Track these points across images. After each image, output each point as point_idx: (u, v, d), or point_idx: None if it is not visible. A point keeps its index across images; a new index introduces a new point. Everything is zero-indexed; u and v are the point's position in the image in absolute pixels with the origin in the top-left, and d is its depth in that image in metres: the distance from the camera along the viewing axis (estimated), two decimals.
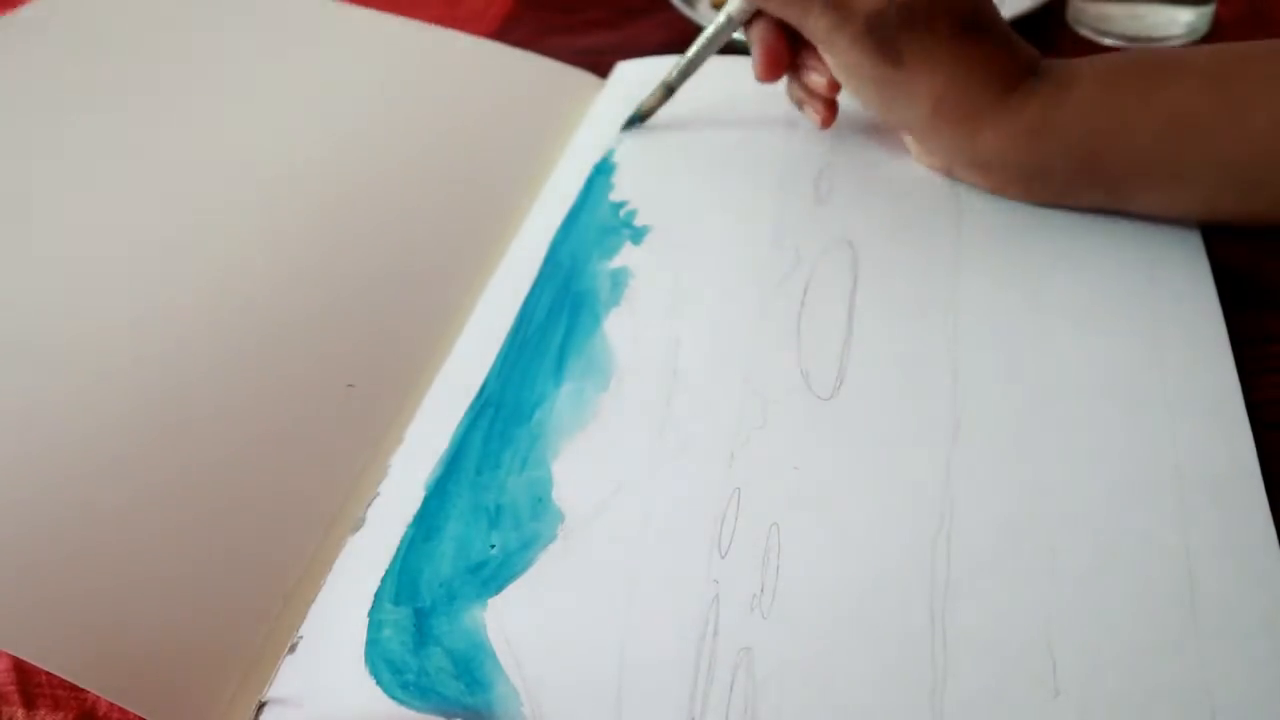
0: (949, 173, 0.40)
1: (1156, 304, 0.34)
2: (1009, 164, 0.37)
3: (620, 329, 0.36)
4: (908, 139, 0.41)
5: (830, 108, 0.40)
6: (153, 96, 0.45)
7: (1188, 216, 0.37)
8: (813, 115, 0.41)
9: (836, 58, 0.37)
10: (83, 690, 0.28)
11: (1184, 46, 0.37)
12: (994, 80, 0.36)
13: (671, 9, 0.52)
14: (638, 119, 0.44)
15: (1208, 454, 0.30)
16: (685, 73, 0.42)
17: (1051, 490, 0.29)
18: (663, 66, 0.47)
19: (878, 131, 0.43)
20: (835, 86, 0.39)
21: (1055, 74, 0.36)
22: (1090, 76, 0.36)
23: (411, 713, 0.26)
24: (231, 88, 0.46)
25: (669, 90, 0.43)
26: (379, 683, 0.27)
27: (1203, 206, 0.36)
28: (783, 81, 0.41)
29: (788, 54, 0.39)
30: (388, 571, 0.29)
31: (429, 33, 0.50)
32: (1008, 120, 0.36)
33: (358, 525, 0.31)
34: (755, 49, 0.39)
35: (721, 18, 0.40)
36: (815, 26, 0.36)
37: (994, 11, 0.37)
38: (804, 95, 0.41)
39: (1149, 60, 0.37)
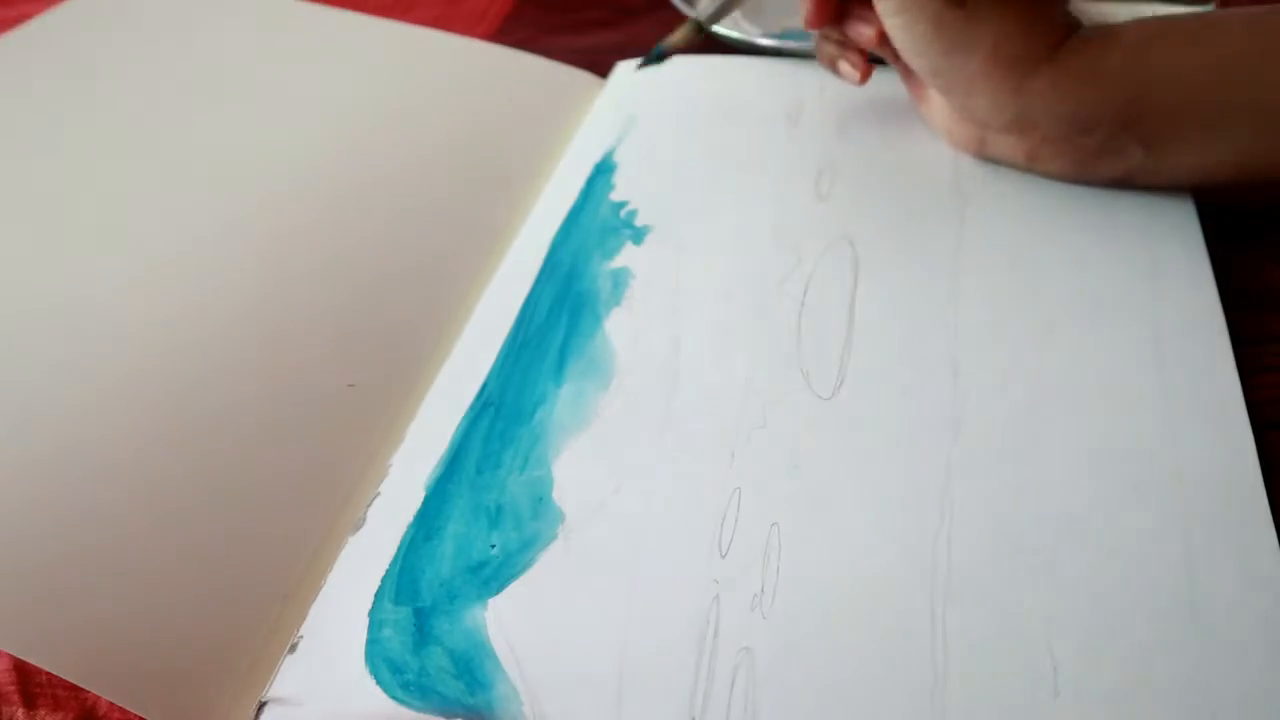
0: (980, 147, 0.39)
1: (1157, 304, 0.34)
2: (1054, 116, 0.37)
3: (621, 329, 0.36)
4: (938, 112, 0.40)
5: (868, 62, 0.40)
6: (155, 102, 0.45)
7: (1219, 174, 0.37)
8: (848, 71, 0.41)
9: (897, 3, 0.36)
10: (83, 690, 0.28)
11: (1217, 11, 0.37)
12: (1048, 28, 0.36)
13: (671, 9, 0.52)
14: (660, 56, 0.42)
15: (1208, 454, 0.30)
16: (722, 10, 0.40)
17: (1051, 490, 0.29)
18: (664, 66, 0.47)
19: (879, 130, 0.43)
20: (881, 37, 0.39)
21: (1100, 29, 0.36)
22: (1135, 29, 0.36)
23: (412, 712, 0.26)
24: (233, 93, 0.46)
25: (699, 29, 0.41)
26: (379, 682, 0.27)
27: (1238, 159, 0.36)
28: (782, 82, 0.41)
29: (836, 7, 0.39)
30: (388, 571, 0.29)
31: (428, 36, 0.50)
32: (1058, 67, 0.36)
33: (358, 525, 0.31)
34: None
35: None
36: None
37: None
38: (840, 51, 0.41)
39: (1192, 17, 0.37)
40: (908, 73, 0.42)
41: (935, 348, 0.34)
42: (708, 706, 0.26)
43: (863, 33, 0.39)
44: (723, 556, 0.29)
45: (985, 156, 0.40)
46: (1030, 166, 0.39)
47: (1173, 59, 0.35)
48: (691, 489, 0.30)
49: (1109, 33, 0.36)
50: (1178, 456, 0.30)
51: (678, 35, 0.41)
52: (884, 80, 0.43)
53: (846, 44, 0.41)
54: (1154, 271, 0.36)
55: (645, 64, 0.42)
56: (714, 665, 0.26)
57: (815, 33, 0.42)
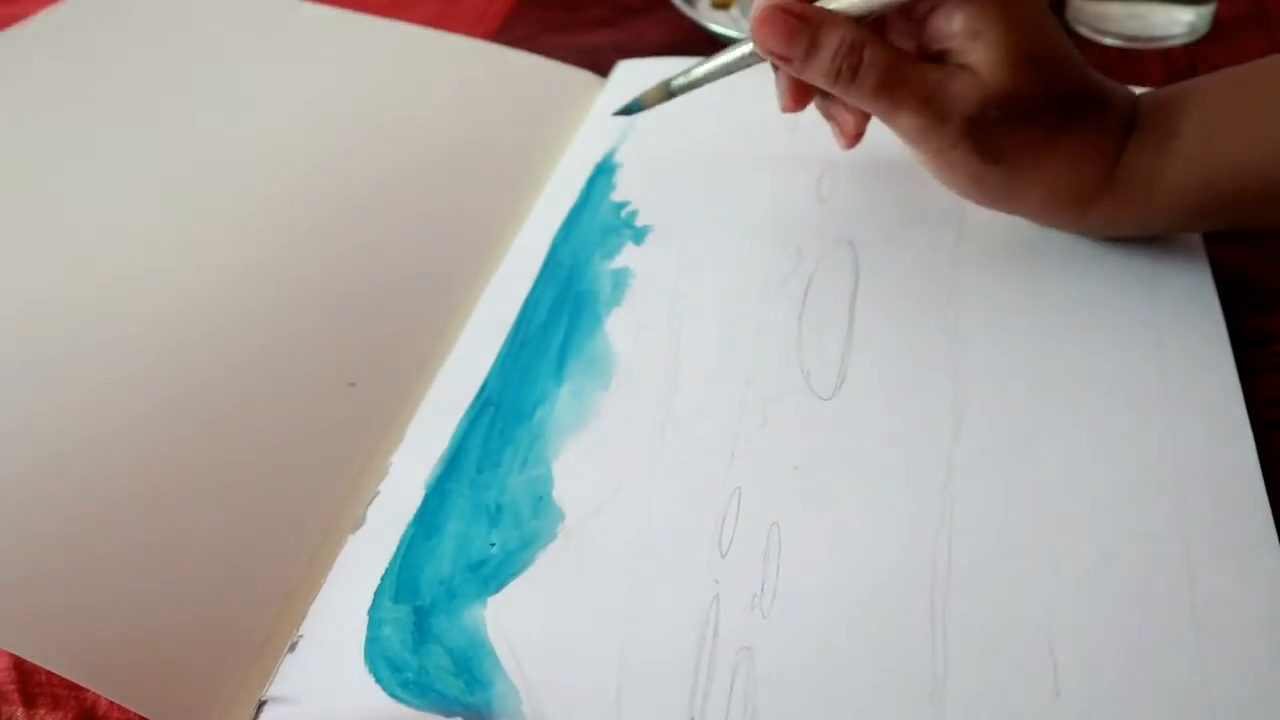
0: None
1: (1157, 304, 0.34)
2: (1118, 231, 0.36)
3: (621, 329, 0.36)
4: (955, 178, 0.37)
5: (858, 136, 0.37)
6: (154, 100, 0.45)
7: None
8: (837, 135, 0.37)
9: (932, 158, 0.34)
10: (82, 689, 0.27)
11: (1269, 60, 0.34)
12: (1100, 160, 0.33)
13: (672, 8, 0.52)
14: (634, 109, 0.41)
15: (1208, 454, 0.30)
16: (691, 85, 0.39)
17: (1052, 490, 0.29)
18: (664, 66, 0.47)
19: (879, 131, 0.43)
20: (860, 128, 0.36)
21: (1154, 123, 0.33)
22: (1192, 119, 0.33)
23: (411, 711, 0.26)
24: (232, 92, 0.46)
25: (669, 95, 0.40)
26: (379, 681, 0.27)
27: None
28: (743, 45, 0.39)
29: (815, 91, 0.35)
30: (388, 570, 0.29)
31: (428, 36, 0.50)
32: (1117, 194, 0.34)
33: (358, 524, 0.31)
34: (783, 83, 0.36)
35: (746, 48, 0.35)
36: (907, 127, 0.33)
37: (1084, 68, 0.33)
38: (831, 112, 0.37)
39: (1246, 84, 0.34)
40: None
41: (935, 348, 0.34)
42: (708, 706, 0.26)
43: (845, 120, 0.36)
44: (723, 556, 0.29)
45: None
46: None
47: (1233, 155, 0.33)
48: (691, 489, 0.30)
49: (1164, 128, 0.33)
50: (1178, 456, 0.30)
51: (650, 93, 0.40)
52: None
53: (837, 122, 0.37)
54: (1154, 272, 0.36)
55: (620, 113, 0.41)
56: (714, 665, 0.26)
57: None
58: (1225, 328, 0.33)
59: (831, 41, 0.32)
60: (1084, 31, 0.50)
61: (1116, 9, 0.49)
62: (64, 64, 0.47)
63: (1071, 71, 0.33)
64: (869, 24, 0.33)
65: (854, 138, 0.37)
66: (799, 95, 0.36)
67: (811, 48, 0.32)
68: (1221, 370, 0.32)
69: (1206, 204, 0.34)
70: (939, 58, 0.33)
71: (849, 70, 0.32)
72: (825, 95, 0.36)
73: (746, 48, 0.35)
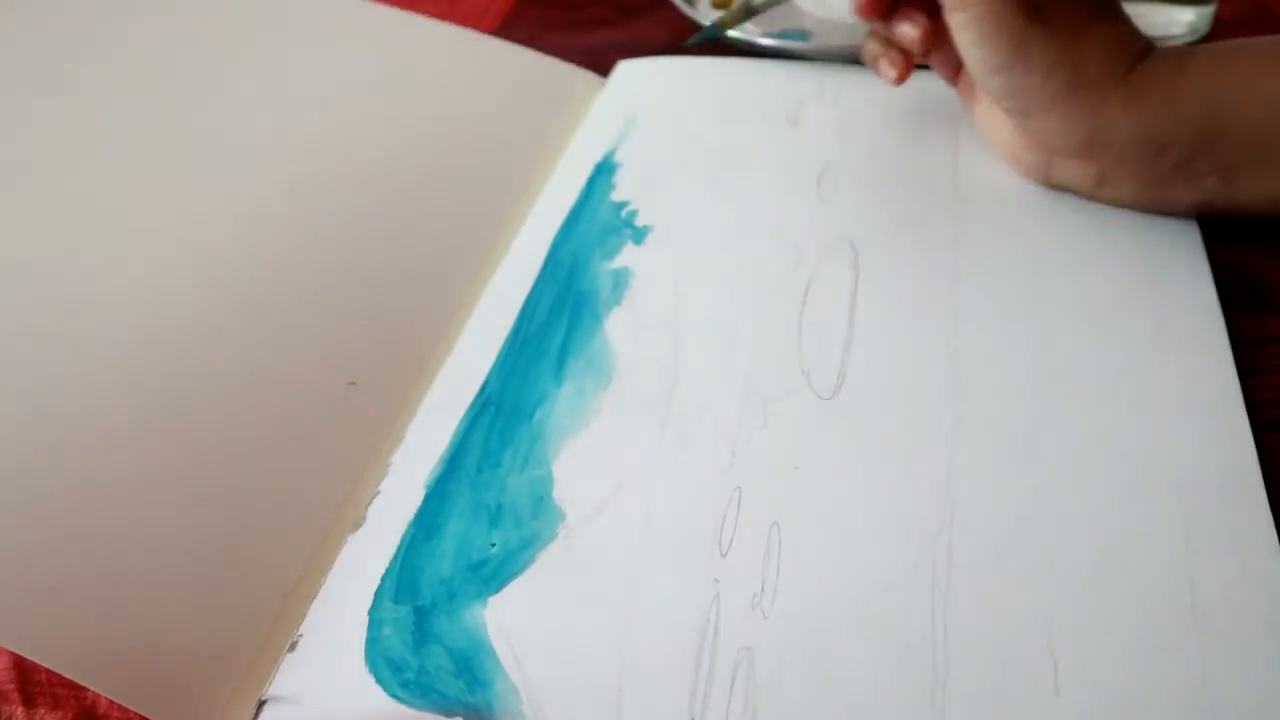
0: (1047, 172, 0.38)
1: (1157, 304, 0.34)
2: (1127, 137, 0.36)
3: (621, 328, 0.36)
4: (1002, 136, 0.39)
5: (910, 63, 0.40)
6: (152, 91, 0.45)
7: None
8: (887, 70, 0.40)
9: (978, 23, 0.35)
10: (82, 688, 0.27)
11: None
12: (1126, 50, 0.35)
13: (672, 8, 0.52)
14: (712, 33, 0.41)
15: (1208, 454, 0.30)
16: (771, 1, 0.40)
17: (1052, 490, 0.29)
18: (664, 66, 0.47)
19: (879, 131, 0.43)
20: (927, 42, 0.38)
21: (1172, 53, 0.36)
22: (1206, 54, 0.36)
23: (411, 711, 0.26)
24: (231, 83, 0.46)
25: (749, 12, 0.41)
26: (379, 681, 0.27)
27: None
28: (782, 82, 0.40)
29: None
30: (388, 570, 0.29)
31: (429, 27, 0.50)
32: (1132, 87, 0.35)
33: (358, 524, 0.31)
34: None
35: None
36: None
37: None
38: (883, 49, 0.40)
39: (1264, 41, 0.36)
40: (969, 92, 0.41)
41: (935, 348, 0.34)
42: (708, 706, 0.26)
43: (907, 33, 0.39)
44: (723, 556, 0.29)
45: (1052, 184, 0.39)
46: (1098, 193, 0.38)
47: (1252, 80, 0.34)
48: (691, 489, 0.30)
49: (1185, 53, 0.36)
50: (1178, 456, 0.30)
51: (729, 14, 0.41)
52: (884, 82, 0.43)
53: (891, 42, 0.40)
54: (1154, 272, 0.36)
55: (694, 41, 0.41)
56: (714, 665, 0.26)
57: (864, 25, 0.41)
58: (1225, 328, 0.33)
59: None
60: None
61: None
62: (59, 50, 0.47)
63: None
64: None
65: (907, 68, 0.39)
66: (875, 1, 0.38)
67: None
68: (1221, 371, 0.32)
69: (1213, 134, 0.35)
70: None
71: None
72: (887, 16, 0.39)
73: None
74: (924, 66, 0.42)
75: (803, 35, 0.48)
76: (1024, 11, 0.34)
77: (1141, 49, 0.36)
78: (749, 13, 0.40)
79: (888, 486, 0.30)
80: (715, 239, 0.39)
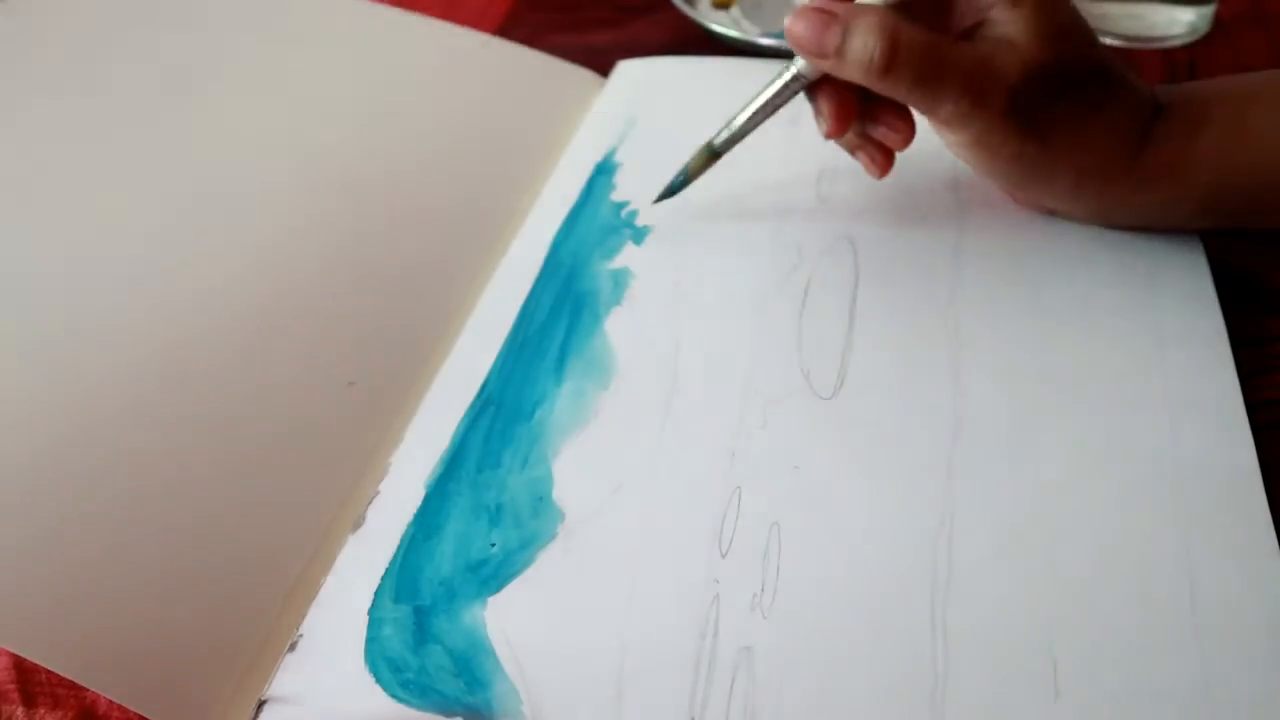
0: (1049, 211, 0.38)
1: (1157, 305, 0.34)
2: (1136, 211, 0.36)
3: (621, 329, 0.36)
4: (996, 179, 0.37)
5: (890, 161, 0.36)
6: (153, 91, 0.45)
7: None
8: (869, 164, 0.37)
9: (972, 139, 0.33)
10: (82, 688, 0.27)
11: None
12: (1132, 134, 0.34)
13: (672, 8, 0.52)
14: (678, 185, 0.39)
15: (1208, 454, 0.30)
16: (734, 139, 0.37)
17: (1051, 490, 0.29)
18: (664, 66, 0.47)
19: None
20: (908, 142, 0.35)
21: (1182, 110, 0.34)
22: (1219, 108, 0.34)
23: (411, 711, 0.26)
24: (230, 84, 0.46)
25: (715, 155, 0.38)
26: (379, 681, 0.27)
27: None
28: (782, 74, 0.40)
29: (856, 108, 0.35)
30: (388, 570, 0.29)
31: (429, 27, 0.50)
32: (1141, 172, 0.34)
33: (358, 524, 0.31)
34: (825, 107, 0.34)
35: (787, 76, 0.35)
36: (949, 112, 0.32)
37: (1110, 52, 0.34)
38: (861, 144, 0.36)
39: (1274, 83, 0.35)
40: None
41: (935, 348, 0.34)
42: (707, 705, 0.26)
43: (892, 139, 0.35)
44: (723, 556, 0.29)
45: (1050, 214, 0.38)
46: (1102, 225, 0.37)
47: (1257, 152, 0.33)
48: (691, 489, 0.30)
49: (1192, 115, 0.34)
50: (1178, 456, 0.30)
51: (693, 162, 0.38)
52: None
53: (869, 140, 0.36)
54: (1154, 273, 0.36)
55: (663, 198, 0.39)
56: (714, 665, 0.26)
57: None
58: (1225, 328, 0.33)
59: (864, 28, 0.32)
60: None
61: (1117, 9, 0.49)
62: (60, 53, 0.47)
63: (1097, 47, 0.34)
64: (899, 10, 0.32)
65: (888, 163, 0.36)
66: (841, 114, 0.34)
67: (843, 40, 0.32)
68: (1221, 370, 0.32)
69: (1232, 191, 0.34)
70: (971, 34, 0.33)
71: (883, 57, 0.31)
72: (862, 118, 0.35)
73: (783, 78, 0.35)
74: None
75: None
76: (1018, 132, 0.32)
77: (1148, 116, 0.34)
78: (715, 155, 0.37)
79: (888, 486, 0.30)
80: (715, 239, 0.39)
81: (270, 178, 0.41)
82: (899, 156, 0.37)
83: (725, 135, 0.37)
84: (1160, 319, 0.34)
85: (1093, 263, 0.36)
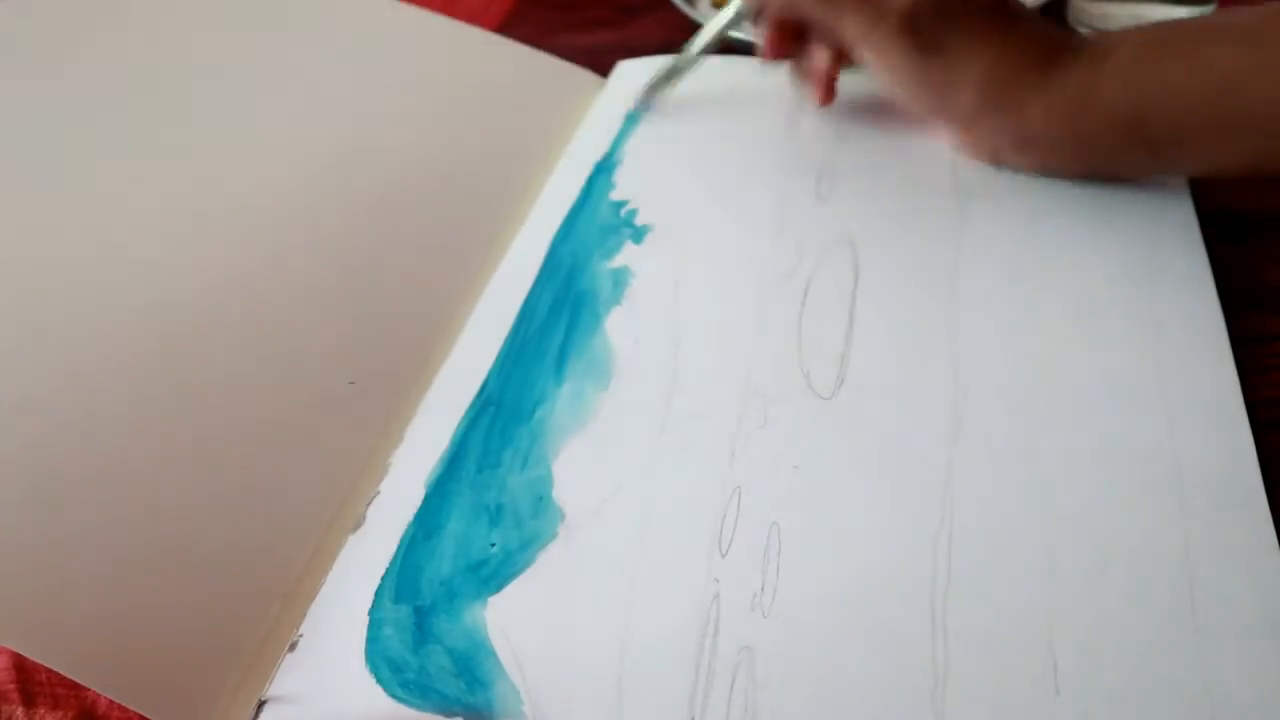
0: (995, 159, 0.40)
1: (1157, 304, 0.34)
2: (1055, 139, 0.37)
3: (621, 328, 0.36)
4: (945, 132, 0.41)
5: (829, 89, 0.41)
6: (153, 90, 0.45)
7: (1234, 171, 0.37)
8: (811, 96, 0.42)
9: (876, 57, 0.37)
10: (82, 688, 0.27)
11: (1218, 12, 0.37)
12: (1035, 57, 0.36)
13: (672, 8, 0.52)
14: (642, 109, 0.45)
15: (1208, 454, 0.30)
16: (689, 62, 0.44)
17: (1051, 490, 0.29)
18: (664, 65, 0.47)
19: (879, 130, 0.43)
20: (836, 68, 0.40)
21: (1093, 46, 0.36)
22: (1129, 45, 0.36)
23: (411, 711, 0.26)
24: (230, 81, 0.46)
25: (674, 73, 0.44)
26: (379, 681, 0.27)
27: (1248, 160, 0.36)
28: (782, 82, 0.41)
29: (795, 36, 0.40)
30: (388, 570, 0.29)
31: (430, 22, 0.50)
32: (1052, 95, 0.36)
33: (358, 524, 0.31)
34: (765, 32, 0.40)
35: (730, 11, 0.41)
36: (852, 27, 0.37)
37: (1019, 3, 0.37)
38: (804, 76, 0.42)
39: (1186, 26, 0.37)
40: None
41: (935, 347, 0.34)
42: (708, 706, 0.26)
43: (819, 62, 0.40)
44: (723, 556, 0.29)
45: (1000, 165, 0.40)
46: (1044, 174, 0.39)
47: (1167, 80, 0.35)
48: (691, 489, 0.30)
49: (1100, 53, 0.36)
50: (1178, 456, 0.30)
51: (653, 82, 0.45)
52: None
53: (809, 71, 0.41)
54: (1154, 272, 0.36)
55: (631, 116, 0.46)
56: (714, 665, 0.26)
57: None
58: (1225, 328, 0.33)
59: None
60: (1085, 31, 0.50)
61: (1117, 9, 0.49)
62: (63, 50, 0.47)
63: None
64: None
65: (828, 88, 0.41)
66: (775, 42, 0.40)
67: None
68: (1221, 370, 0.32)
69: (1136, 129, 0.36)
70: None
71: None
72: (798, 47, 0.41)
73: (730, 10, 0.42)
74: None
75: None
76: (917, 49, 0.36)
77: (1057, 47, 0.36)
78: (673, 74, 0.45)
79: (887, 486, 0.30)
80: (715, 239, 0.39)
81: (270, 176, 0.41)
82: (898, 157, 0.37)
83: (686, 58, 0.44)
84: (1160, 318, 0.34)
85: (1093, 263, 0.36)
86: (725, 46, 0.49)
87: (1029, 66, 0.36)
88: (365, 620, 0.28)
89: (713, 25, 0.43)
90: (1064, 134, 0.37)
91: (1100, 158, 0.38)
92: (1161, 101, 0.35)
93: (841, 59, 0.40)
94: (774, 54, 0.41)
